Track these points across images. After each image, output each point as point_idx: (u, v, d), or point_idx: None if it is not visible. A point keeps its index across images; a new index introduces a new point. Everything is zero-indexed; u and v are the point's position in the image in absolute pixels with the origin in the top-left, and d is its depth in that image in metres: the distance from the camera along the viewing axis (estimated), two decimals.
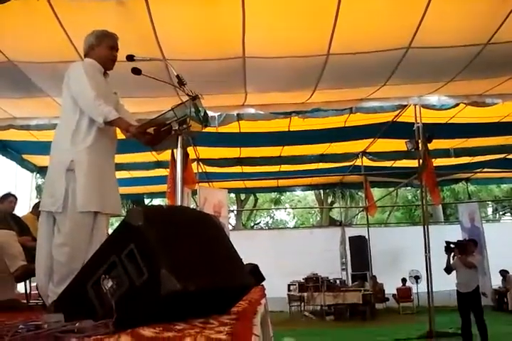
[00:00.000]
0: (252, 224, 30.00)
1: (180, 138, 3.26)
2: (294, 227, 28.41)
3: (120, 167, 10.54)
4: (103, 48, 3.35)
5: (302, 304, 12.76)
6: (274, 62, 6.06)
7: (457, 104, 8.07)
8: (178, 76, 3.28)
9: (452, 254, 7.84)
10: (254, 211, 28.93)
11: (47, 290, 3.04)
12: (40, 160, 10.51)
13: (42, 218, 3.18)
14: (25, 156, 10.54)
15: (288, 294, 13.02)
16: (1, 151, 9.67)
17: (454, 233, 11.91)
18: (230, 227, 19.30)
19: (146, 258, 1.63)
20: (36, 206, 5.46)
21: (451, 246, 7.89)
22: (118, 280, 1.67)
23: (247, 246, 11.93)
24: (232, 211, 24.61)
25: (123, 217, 1.88)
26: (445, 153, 11.29)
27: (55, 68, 5.35)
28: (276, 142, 10.51)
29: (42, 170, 10.83)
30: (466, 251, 7.73)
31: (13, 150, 10.03)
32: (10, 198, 5.60)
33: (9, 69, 5.79)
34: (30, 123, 7.81)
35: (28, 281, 4.77)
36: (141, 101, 6.75)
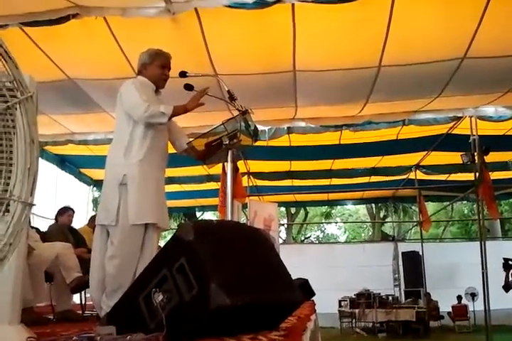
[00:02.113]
0: (303, 238, 29.77)
1: (230, 153, 3.29)
2: (345, 242, 27.99)
3: (172, 180, 10.74)
4: (155, 67, 3.45)
5: (353, 320, 12.50)
6: (324, 76, 6.04)
7: None
8: (229, 91, 3.33)
9: (511, 271, 7.55)
10: (305, 225, 28.70)
11: (100, 302, 3.11)
12: (96, 173, 10.83)
13: (96, 231, 3.27)
14: (82, 170, 10.89)
15: (339, 310, 12.80)
16: (60, 165, 10.02)
17: None
18: (281, 241, 19.22)
19: (197, 272, 1.64)
20: (92, 219, 5.63)
21: (510, 263, 7.61)
22: (169, 294, 1.69)
23: (298, 261, 11.94)
24: (283, 225, 24.50)
25: (174, 230, 1.90)
26: (503, 165, 10.88)
27: (111, 84, 5.52)
28: (327, 155, 10.42)
29: (98, 184, 11.14)
30: None
31: (71, 164, 10.38)
32: (69, 212, 5.82)
33: (69, 86, 6.03)
34: (88, 138, 8.08)
35: (83, 292, 4.89)
36: (193, 116, 6.79)
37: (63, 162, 10.08)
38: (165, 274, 1.71)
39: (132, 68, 5.19)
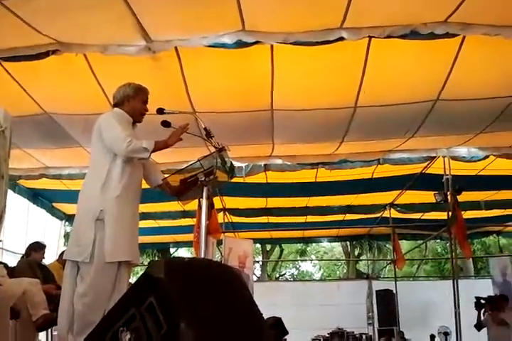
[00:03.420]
0: (278, 275, 29.46)
1: (205, 189, 3.30)
2: (320, 279, 27.79)
3: (147, 216, 10.63)
4: (137, 102, 3.48)
5: None
6: (301, 115, 6.14)
7: (487, 156, 7.97)
8: (205, 128, 3.36)
9: (483, 310, 7.57)
10: (280, 262, 28.48)
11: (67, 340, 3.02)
12: (69, 208, 10.67)
13: (67, 268, 3.19)
14: (55, 204, 10.73)
15: None
16: (32, 199, 9.86)
17: (485, 287, 11.43)
18: (255, 278, 19.00)
19: (166, 311, 1.61)
20: (62, 254, 5.51)
21: (482, 301, 7.64)
22: (136, 334, 1.65)
23: (272, 299, 11.80)
24: (258, 262, 24.29)
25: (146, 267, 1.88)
26: (475, 205, 11.05)
27: (88, 120, 5.51)
28: (303, 193, 10.47)
29: (70, 218, 10.97)
30: (498, 307, 7.47)
31: (43, 199, 10.23)
32: (44, 250, 5.74)
33: (45, 120, 6.00)
34: (62, 172, 7.99)
35: (50, 330, 4.74)
36: (170, 152, 6.79)
37: (36, 196, 9.93)
38: (133, 313, 1.68)
39: (110, 104, 5.22)
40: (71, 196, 7.97)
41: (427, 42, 4.55)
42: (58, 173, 8.06)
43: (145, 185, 3.65)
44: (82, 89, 5.45)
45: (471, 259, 18.87)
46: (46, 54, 4.48)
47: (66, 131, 6.37)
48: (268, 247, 24.77)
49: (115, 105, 3.54)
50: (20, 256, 6.42)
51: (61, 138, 6.58)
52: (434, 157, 8.28)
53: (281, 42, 4.47)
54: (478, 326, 7.48)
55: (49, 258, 6.79)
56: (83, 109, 5.76)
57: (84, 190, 3.35)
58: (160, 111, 3.48)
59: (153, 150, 3.22)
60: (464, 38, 4.61)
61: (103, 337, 1.77)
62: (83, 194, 3.33)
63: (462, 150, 7.74)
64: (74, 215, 3.48)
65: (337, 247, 27.64)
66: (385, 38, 4.36)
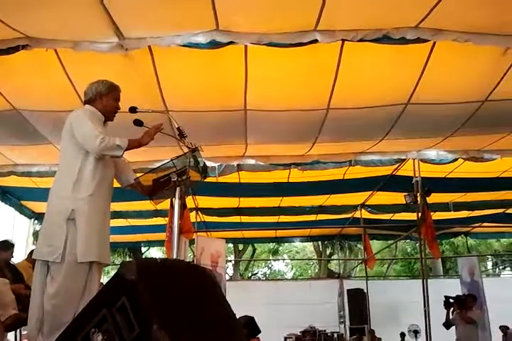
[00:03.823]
0: (250, 275, 29.52)
1: (178, 189, 3.29)
2: (292, 279, 27.95)
3: (118, 215, 10.54)
4: (110, 99, 3.45)
5: None
6: (274, 116, 6.16)
7: (456, 159, 8.12)
8: (179, 128, 3.35)
9: (452, 309, 7.73)
10: (252, 261, 28.54)
11: None
12: (38, 206, 10.49)
13: (37, 267, 3.14)
14: (23, 202, 10.53)
15: None
16: (1, 197, 9.67)
17: (454, 287, 11.70)
18: (228, 277, 19.00)
19: (138, 312, 1.61)
20: (32, 253, 5.42)
21: (451, 300, 7.80)
22: (108, 335, 1.64)
23: (244, 298, 11.81)
24: (230, 261, 24.30)
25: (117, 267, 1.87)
26: (444, 206, 11.25)
27: (58, 116, 5.43)
28: (276, 193, 10.51)
29: (39, 217, 10.78)
30: (466, 306, 7.65)
31: (12, 197, 10.03)
32: (12, 249, 5.63)
33: (14, 117, 5.88)
34: (32, 170, 7.84)
35: (18, 330, 4.67)
36: (142, 151, 6.74)
37: (4, 194, 9.73)
38: (105, 314, 1.67)
39: (81, 101, 5.16)
40: (40, 194, 7.86)
41: (399, 47, 4.62)
42: (27, 171, 7.90)
43: (116, 184, 3.62)
44: (53, 85, 5.36)
45: (439, 259, 19.23)
46: (16, 49, 4.39)
47: (35, 128, 6.26)
48: (240, 247, 24.80)
49: (86, 102, 3.48)
50: None
51: (30, 135, 6.45)
52: (404, 159, 8.40)
53: (255, 43, 4.48)
54: (447, 324, 7.65)
55: (18, 257, 6.67)
56: (53, 105, 5.67)
57: (55, 189, 3.29)
58: (132, 109, 3.46)
59: (127, 149, 3.19)
60: (434, 43, 4.70)
61: (74, 338, 1.75)
62: (54, 193, 3.28)
63: (432, 153, 7.88)
64: (43, 213, 3.42)
65: (309, 247, 27.84)
66: (358, 41, 4.41)
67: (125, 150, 3.20)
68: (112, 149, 3.12)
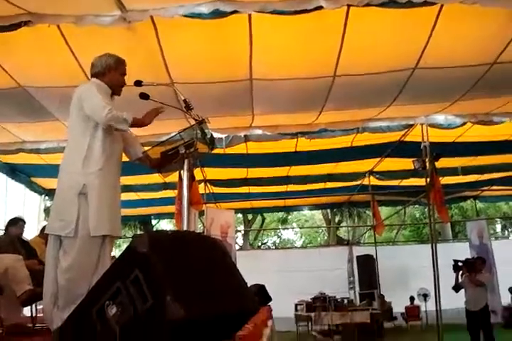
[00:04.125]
0: (260, 244, 29.83)
1: (186, 161, 3.29)
2: (302, 247, 28.22)
3: (128, 188, 10.60)
4: (118, 74, 3.43)
5: (310, 324, 12.59)
6: (280, 84, 6.11)
7: (464, 123, 8.07)
8: (185, 100, 3.33)
9: (461, 272, 7.80)
10: (262, 231, 28.79)
11: (52, 315, 3.04)
12: (48, 182, 10.57)
13: (50, 242, 3.18)
14: (33, 179, 10.61)
15: (295, 314, 12.88)
16: (10, 174, 9.73)
17: (463, 251, 11.78)
18: (237, 247, 19.22)
19: (151, 284, 1.64)
20: (44, 229, 5.49)
21: (460, 264, 7.87)
22: (122, 307, 1.67)
23: (255, 266, 11.97)
24: (240, 231, 24.53)
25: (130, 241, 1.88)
26: (453, 171, 11.23)
27: (64, 92, 5.41)
28: (283, 162, 10.52)
29: (50, 193, 10.87)
30: (475, 269, 7.71)
31: (21, 173, 10.09)
32: (19, 223, 5.66)
33: (20, 94, 5.88)
34: (40, 146, 7.88)
35: (34, 305, 4.76)
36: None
37: (14, 171, 9.79)
38: (119, 286, 1.70)
39: (86, 76, 5.13)
40: (50, 170, 7.91)
41: (406, 11, 4.53)
42: (36, 147, 7.94)
43: (125, 158, 3.64)
44: (57, 61, 5.33)
45: (448, 223, 19.34)
46: (18, 25, 4.34)
47: (42, 105, 6.26)
48: (250, 216, 24.98)
49: (94, 75, 3.45)
50: (1, 231, 6.38)
51: (37, 112, 6.46)
52: (412, 125, 8.35)
53: (258, 12, 4.40)
54: (457, 287, 7.72)
55: (30, 233, 6.76)
56: (59, 81, 5.65)
57: (65, 164, 3.30)
58: (138, 83, 3.43)
59: (131, 125, 3.19)
60: (441, 6, 4.60)
61: (89, 311, 1.79)
62: (64, 168, 3.29)
63: (440, 118, 7.82)
64: (53, 190, 3.45)
65: (318, 215, 28.00)
66: (363, 6, 4.32)
67: (130, 126, 3.20)
68: (118, 121, 3.12)
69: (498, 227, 28.30)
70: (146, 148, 3.67)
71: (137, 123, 3.24)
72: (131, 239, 1.92)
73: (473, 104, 7.11)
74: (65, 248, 3.09)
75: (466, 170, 11.39)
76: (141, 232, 18.85)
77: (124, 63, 3.48)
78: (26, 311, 4.94)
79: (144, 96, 3.43)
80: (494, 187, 13.35)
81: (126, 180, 9.77)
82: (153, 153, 3.51)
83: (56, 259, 3.11)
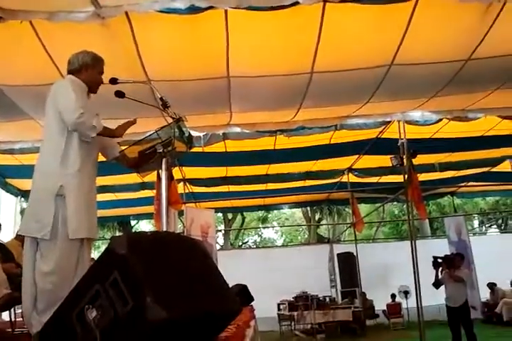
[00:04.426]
0: (240, 243, 29.84)
1: (164, 160, 3.24)
2: (282, 245, 28.30)
3: (106, 189, 10.46)
4: (96, 72, 3.37)
5: (292, 323, 12.63)
6: (258, 81, 6.07)
7: (440, 119, 8.15)
8: (161, 98, 3.27)
9: (440, 269, 7.86)
10: (242, 230, 28.79)
11: (31, 319, 2.96)
12: (24, 183, 10.38)
13: (26, 244, 3.10)
14: (8, 180, 10.41)
15: (278, 313, 12.90)
16: None
17: (442, 247, 11.93)
18: (218, 247, 19.16)
19: (131, 286, 1.59)
20: None
21: (439, 260, 7.93)
22: (102, 310, 1.63)
23: (236, 266, 11.94)
24: (220, 231, 24.50)
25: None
26: (430, 167, 11.35)
27: (38, 91, 5.30)
28: (262, 160, 10.50)
29: (26, 194, 10.67)
30: (454, 265, 7.78)
31: None
32: None
33: None
34: (14, 147, 7.70)
35: (12, 309, 4.66)
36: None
37: None
38: (98, 289, 1.65)
39: (61, 74, 5.03)
40: (25, 171, 7.72)
41: (381, 7, 4.54)
42: (10, 148, 7.77)
43: (101, 158, 3.57)
44: (31, 59, 5.21)
45: (427, 220, 19.54)
46: None
47: (15, 104, 6.12)
48: (230, 216, 24.97)
49: (71, 72, 3.37)
50: None
51: (11, 111, 6.31)
52: (389, 121, 8.41)
53: (234, 8, 4.36)
54: (437, 284, 7.79)
55: (6, 236, 6.63)
56: (33, 79, 5.52)
57: (41, 165, 3.21)
58: (113, 81, 3.36)
59: (99, 133, 3.12)
60: (416, 1, 4.61)
61: (68, 315, 1.74)
62: (40, 169, 3.20)
63: (416, 114, 7.87)
64: (29, 191, 3.36)
65: (298, 213, 28.12)
66: (339, 2, 4.31)
67: (98, 134, 3.12)
68: (86, 127, 3.04)
69: (476, 223, 28.75)
70: (123, 147, 3.61)
71: (106, 133, 3.18)
72: (109, 241, 1.87)
73: (449, 100, 7.17)
74: (43, 251, 3.01)
75: (443, 167, 11.52)
76: (120, 234, 18.69)
77: (102, 61, 3.41)
78: (5, 316, 4.83)
79: (120, 94, 3.37)
80: (471, 183, 13.53)
81: (104, 180, 9.65)
82: (130, 152, 3.44)
83: (34, 262, 3.03)
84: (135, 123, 3.34)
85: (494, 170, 12.26)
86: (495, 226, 28.03)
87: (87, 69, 3.34)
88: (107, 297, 1.63)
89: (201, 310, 1.75)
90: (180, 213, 10.84)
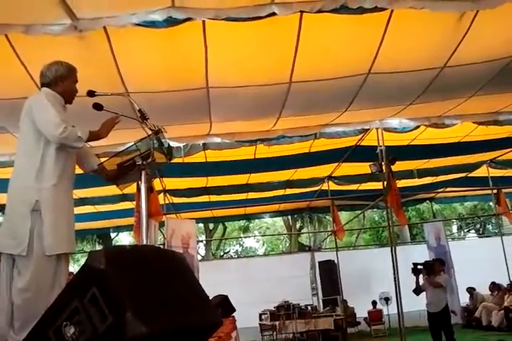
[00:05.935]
0: (222, 253, 29.71)
1: (143, 173, 3.21)
2: (264, 254, 28.23)
3: (84, 201, 10.34)
4: (71, 82, 3.31)
5: (274, 333, 12.55)
6: (237, 92, 6.09)
7: (418, 126, 8.26)
8: (140, 110, 3.25)
9: (421, 275, 7.91)
10: (224, 240, 28.68)
11: (8, 337, 2.89)
12: None
13: (2, 261, 3.02)
14: None
15: (260, 323, 12.82)
16: None
17: (422, 252, 12.01)
18: (200, 258, 19.06)
19: (110, 302, 1.57)
20: None
21: (419, 267, 7.97)
22: (81, 327, 1.60)
23: (217, 277, 11.88)
24: (201, 241, 24.36)
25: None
26: (409, 174, 11.47)
27: (14, 104, 5.22)
28: (243, 170, 10.50)
29: (1, 208, 10.50)
30: (434, 271, 7.84)
31: None
32: None
33: None
34: None
35: None
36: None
37: None
38: (76, 305, 1.62)
39: (38, 87, 4.97)
40: (0, 185, 7.61)
41: (358, 17, 4.59)
42: None
43: (79, 170, 3.52)
44: (6, 72, 5.14)
45: (406, 226, 19.67)
46: None
47: None
48: (211, 226, 24.86)
49: (46, 85, 3.30)
50: None
51: None
52: (368, 129, 8.48)
53: (212, 19, 4.37)
54: (417, 291, 7.82)
55: None
56: (8, 93, 5.44)
57: (16, 178, 3.14)
58: (91, 93, 3.32)
59: (87, 141, 3.10)
60: (391, 11, 4.68)
61: (45, 332, 1.70)
62: (15, 183, 3.13)
63: (394, 122, 7.98)
64: (4, 205, 3.30)
65: (279, 222, 28.10)
66: (316, 12, 4.35)
67: (86, 142, 3.11)
68: (72, 140, 3.01)
69: (455, 228, 29.05)
70: (102, 160, 3.57)
71: (93, 138, 3.15)
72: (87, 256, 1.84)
73: (426, 108, 7.28)
74: (19, 268, 2.93)
75: (421, 173, 11.66)
76: (100, 246, 18.47)
77: (76, 70, 3.36)
78: None
79: (98, 106, 3.33)
80: (449, 189, 13.70)
81: (83, 192, 9.54)
82: (109, 164, 3.41)
83: (10, 279, 2.96)
84: (119, 121, 3.30)
85: (471, 175, 12.44)
86: (473, 231, 28.34)
87: (63, 81, 3.27)
88: (85, 313, 1.60)
89: (182, 323, 1.73)
90: (162, 224, 10.76)
